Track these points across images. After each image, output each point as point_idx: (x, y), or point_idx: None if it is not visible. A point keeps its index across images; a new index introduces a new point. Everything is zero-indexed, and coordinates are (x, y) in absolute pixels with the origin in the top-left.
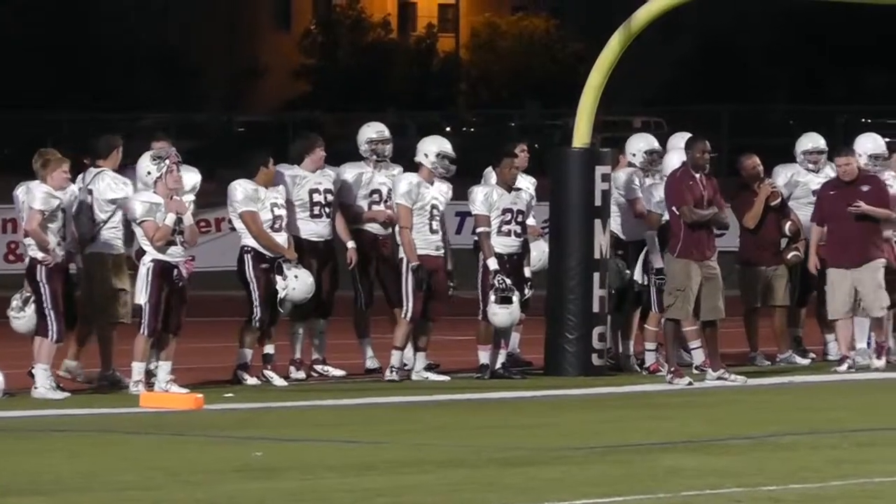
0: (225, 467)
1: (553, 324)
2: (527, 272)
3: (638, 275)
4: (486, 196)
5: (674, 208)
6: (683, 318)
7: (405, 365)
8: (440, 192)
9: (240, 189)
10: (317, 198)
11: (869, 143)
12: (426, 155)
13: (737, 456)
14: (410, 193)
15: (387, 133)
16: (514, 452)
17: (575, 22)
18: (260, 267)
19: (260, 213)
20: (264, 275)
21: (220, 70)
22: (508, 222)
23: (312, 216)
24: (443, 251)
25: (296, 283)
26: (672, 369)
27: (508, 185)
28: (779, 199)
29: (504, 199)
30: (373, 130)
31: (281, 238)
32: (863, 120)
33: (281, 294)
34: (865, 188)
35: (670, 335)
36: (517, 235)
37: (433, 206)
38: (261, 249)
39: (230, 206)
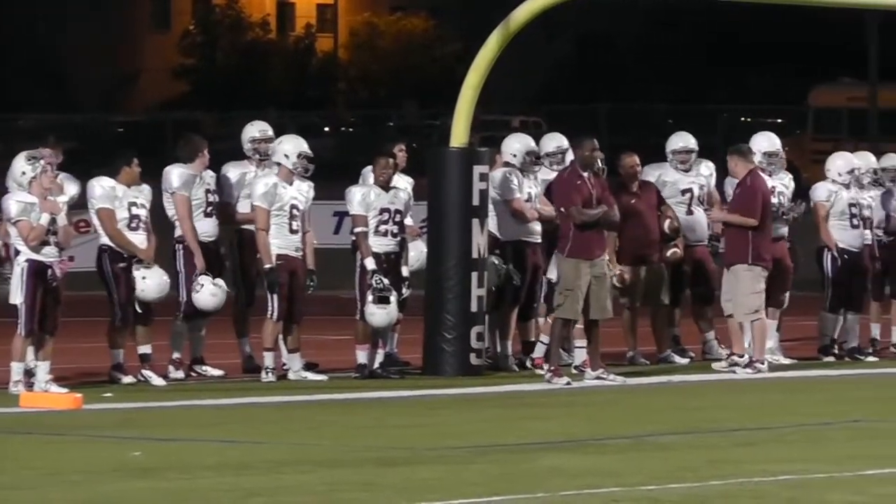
0: (104, 467)
1: (431, 323)
2: (405, 272)
3: (552, 273)
4: (363, 196)
5: (562, 209)
6: (574, 317)
7: (284, 364)
8: (300, 191)
9: (98, 187)
10: (211, 198)
11: (764, 142)
12: (286, 156)
13: (616, 455)
14: (267, 195)
15: (270, 132)
16: (393, 452)
17: (453, 21)
18: (118, 266)
19: (117, 211)
20: (124, 273)
21: (98, 70)
22: (386, 222)
23: (206, 215)
24: (302, 252)
25: (143, 283)
26: (552, 368)
27: (386, 185)
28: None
29: (381, 199)
30: (256, 129)
31: (139, 237)
32: (743, 119)
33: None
34: (737, 190)
35: (557, 334)
36: (394, 235)
37: (293, 207)
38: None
39: (89, 202)
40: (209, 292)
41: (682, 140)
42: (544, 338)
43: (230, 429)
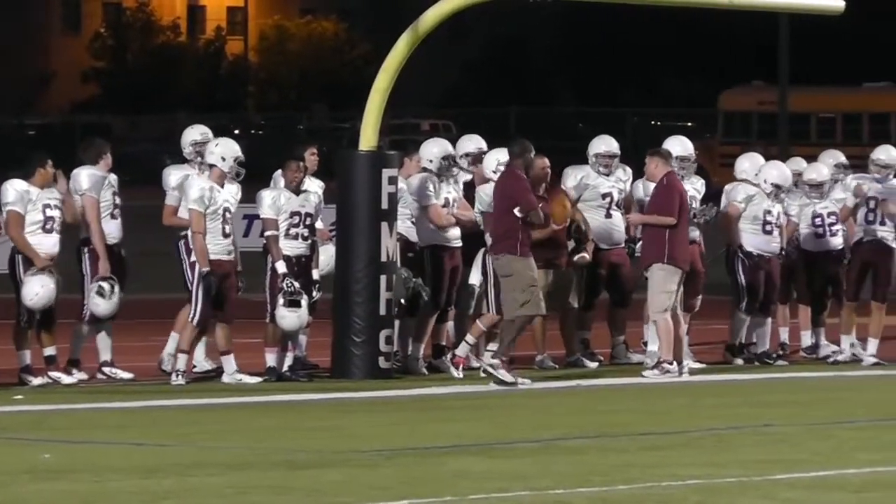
0: (14, 469)
1: (340, 327)
2: (315, 275)
3: (476, 277)
4: (273, 199)
5: (517, 210)
6: (540, 313)
7: (194, 367)
8: (231, 194)
9: (11, 189)
10: (117, 200)
11: (677, 146)
12: (223, 159)
13: (524, 459)
14: (203, 199)
15: (210, 135)
16: (301, 455)
17: (363, 24)
18: (31, 269)
19: (31, 213)
20: None
21: (8, 72)
22: (297, 225)
23: (112, 217)
24: (234, 254)
25: (40, 291)
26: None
27: (297, 189)
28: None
29: (292, 203)
30: (197, 132)
31: (52, 239)
32: (653, 122)
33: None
34: (655, 191)
35: (516, 332)
36: (305, 238)
37: (226, 210)
38: None
39: (2, 205)
40: (101, 302)
41: (606, 144)
42: (470, 338)
43: (139, 431)
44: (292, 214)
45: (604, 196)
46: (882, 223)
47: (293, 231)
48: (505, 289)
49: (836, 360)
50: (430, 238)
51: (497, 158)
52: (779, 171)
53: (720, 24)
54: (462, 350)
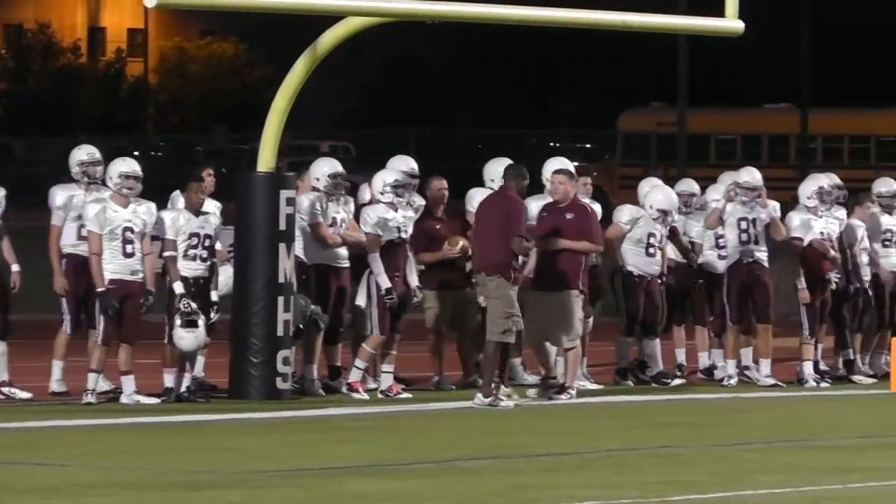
0: None
1: (237, 347)
2: (214, 296)
3: (361, 299)
4: (173, 220)
5: (519, 237)
6: (512, 341)
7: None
8: (136, 213)
9: None
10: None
11: (557, 166)
12: (110, 177)
13: (422, 480)
14: (98, 218)
15: (98, 155)
16: (199, 476)
17: (263, 47)
18: None
19: None
20: None
21: None
22: (195, 246)
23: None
24: (141, 274)
25: None
26: (493, 392)
27: (196, 210)
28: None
29: (192, 224)
30: (84, 153)
31: None
32: (552, 144)
33: None
34: (570, 216)
35: (494, 359)
36: (204, 260)
37: (126, 229)
38: None
39: None
40: None
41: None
42: (359, 362)
43: (38, 452)
44: (191, 236)
45: None
46: (756, 243)
47: (192, 252)
48: (491, 310)
49: (730, 383)
50: (317, 258)
51: (384, 180)
52: (664, 196)
53: (620, 46)
54: (354, 376)
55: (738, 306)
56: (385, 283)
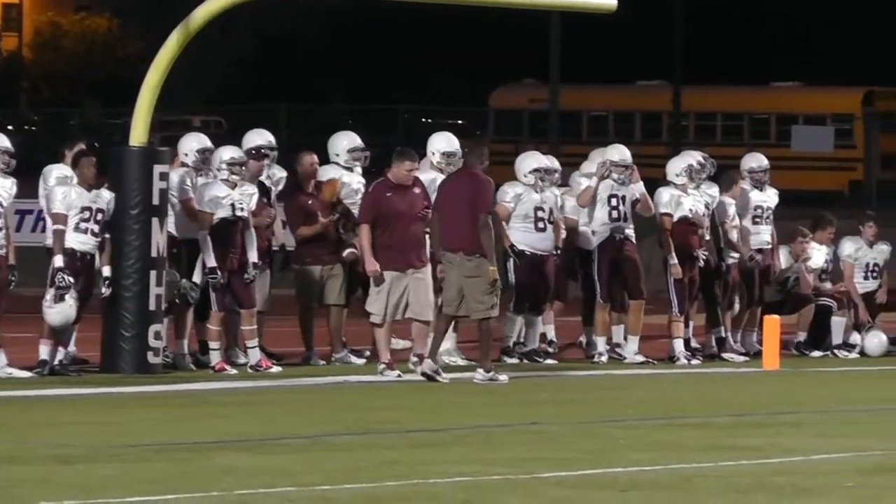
0: None
1: (110, 322)
2: (106, 271)
3: (198, 276)
4: (65, 195)
5: (486, 213)
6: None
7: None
8: (4, 188)
9: None
10: None
11: (442, 143)
12: None
13: (291, 455)
14: None
15: None
16: (70, 450)
17: (137, 22)
18: None
19: None
20: None
21: None
22: (87, 220)
23: None
24: (5, 248)
25: None
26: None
27: (89, 184)
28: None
29: (83, 198)
30: None
31: None
32: (424, 120)
33: None
34: (417, 190)
35: (490, 336)
36: (95, 234)
37: None
38: None
39: None
40: None
41: (350, 140)
42: (212, 343)
43: None
44: (83, 209)
45: (357, 192)
46: (626, 220)
47: (83, 226)
48: (472, 289)
49: (602, 360)
50: (187, 232)
51: (220, 157)
52: (533, 159)
53: (492, 22)
54: (214, 358)
55: (608, 283)
56: (210, 262)
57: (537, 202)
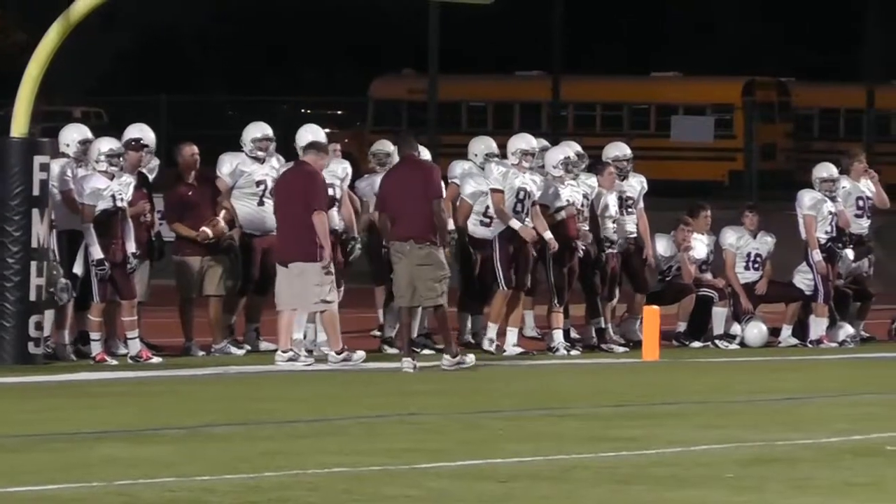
0: None
1: None
2: None
3: (78, 267)
4: None
5: (436, 203)
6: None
7: None
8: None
9: None
10: None
11: (309, 134)
12: None
13: (171, 446)
14: None
15: None
16: None
17: (17, 12)
18: None
19: None
20: None
21: None
22: None
23: None
24: None
25: None
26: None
27: None
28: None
29: None
30: None
31: None
32: (303, 111)
33: None
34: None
35: (447, 321)
36: None
37: None
38: None
39: None
40: None
41: (259, 129)
42: (93, 334)
43: None
44: None
45: (258, 184)
46: (526, 213)
47: None
48: (423, 277)
49: (492, 348)
50: (66, 223)
51: (99, 149)
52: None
53: (371, 13)
54: (94, 349)
55: (508, 272)
56: (97, 253)
57: None
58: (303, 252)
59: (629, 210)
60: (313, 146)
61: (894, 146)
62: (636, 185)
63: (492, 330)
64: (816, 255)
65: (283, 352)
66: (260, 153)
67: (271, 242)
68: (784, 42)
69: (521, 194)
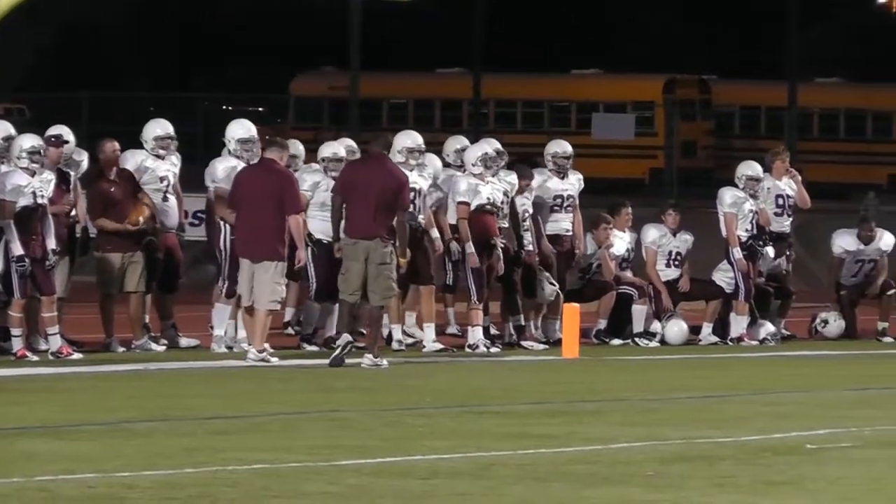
0: None
1: None
2: None
3: None
4: None
5: (402, 205)
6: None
7: None
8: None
9: None
10: None
11: (239, 130)
12: None
13: (92, 442)
14: None
15: None
16: None
17: None
18: None
19: None
20: None
21: None
22: None
23: None
24: None
25: None
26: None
27: None
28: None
29: None
30: None
31: None
32: (224, 108)
33: None
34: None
35: (380, 321)
36: None
37: None
38: None
39: None
40: None
41: (161, 127)
42: (13, 330)
43: None
44: None
45: (161, 179)
46: (418, 211)
47: None
48: (381, 276)
49: (402, 347)
50: None
51: (21, 146)
52: (327, 147)
53: (292, 10)
54: (16, 345)
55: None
56: (17, 250)
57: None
58: (270, 250)
59: (567, 208)
60: (275, 143)
61: (816, 144)
62: (575, 182)
63: (397, 331)
64: (737, 253)
65: (259, 351)
66: (161, 151)
67: (174, 239)
68: (705, 40)
69: (412, 193)
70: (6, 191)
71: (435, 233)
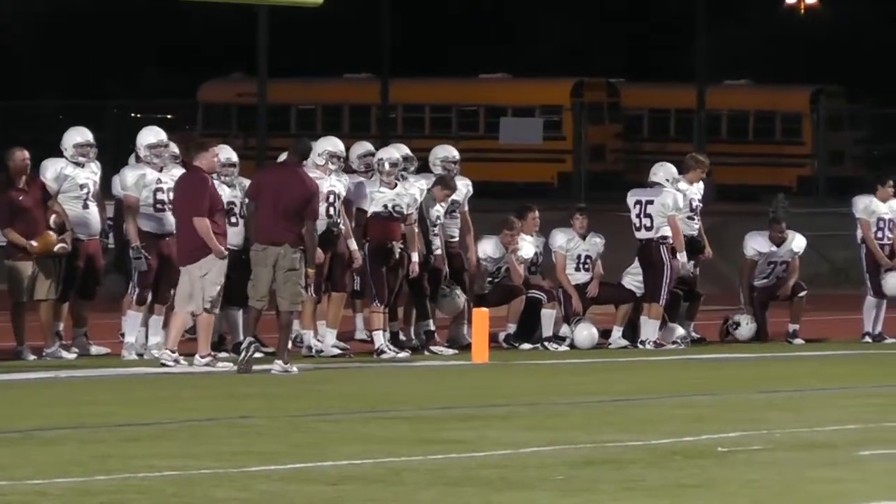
0: None
1: None
2: None
3: None
4: None
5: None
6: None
7: None
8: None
9: None
10: None
11: (150, 136)
12: None
13: (3, 449)
14: None
15: None
16: None
17: None
18: None
19: None
20: None
21: None
22: None
23: None
24: None
25: None
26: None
27: None
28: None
29: None
30: None
31: None
32: (133, 114)
33: None
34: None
35: (290, 328)
36: None
37: None
38: None
39: None
40: None
41: (81, 135)
42: None
43: None
44: None
45: (81, 187)
46: (338, 216)
47: None
48: (289, 282)
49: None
50: None
51: None
52: (223, 152)
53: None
54: None
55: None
56: None
57: (230, 196)
58: (201, 250)
59: (453, 214)
60: (202, 146)
61: (725, 147)
62: (462, 188)
63: (307, 337)
64: (683, 257)
65: (202, 356)
66: (81, 158)
67: (96, 246)
68: (613, 43)
69: (332, 197)
70: None
71: (353, 244)
